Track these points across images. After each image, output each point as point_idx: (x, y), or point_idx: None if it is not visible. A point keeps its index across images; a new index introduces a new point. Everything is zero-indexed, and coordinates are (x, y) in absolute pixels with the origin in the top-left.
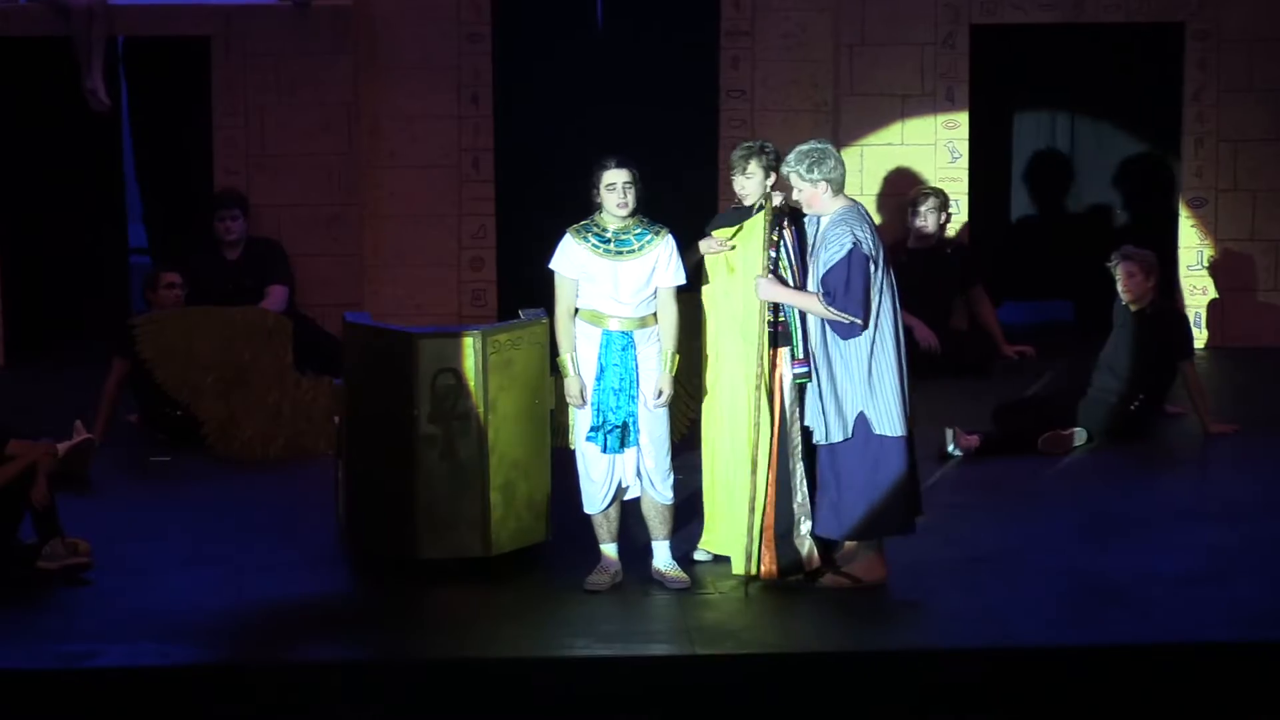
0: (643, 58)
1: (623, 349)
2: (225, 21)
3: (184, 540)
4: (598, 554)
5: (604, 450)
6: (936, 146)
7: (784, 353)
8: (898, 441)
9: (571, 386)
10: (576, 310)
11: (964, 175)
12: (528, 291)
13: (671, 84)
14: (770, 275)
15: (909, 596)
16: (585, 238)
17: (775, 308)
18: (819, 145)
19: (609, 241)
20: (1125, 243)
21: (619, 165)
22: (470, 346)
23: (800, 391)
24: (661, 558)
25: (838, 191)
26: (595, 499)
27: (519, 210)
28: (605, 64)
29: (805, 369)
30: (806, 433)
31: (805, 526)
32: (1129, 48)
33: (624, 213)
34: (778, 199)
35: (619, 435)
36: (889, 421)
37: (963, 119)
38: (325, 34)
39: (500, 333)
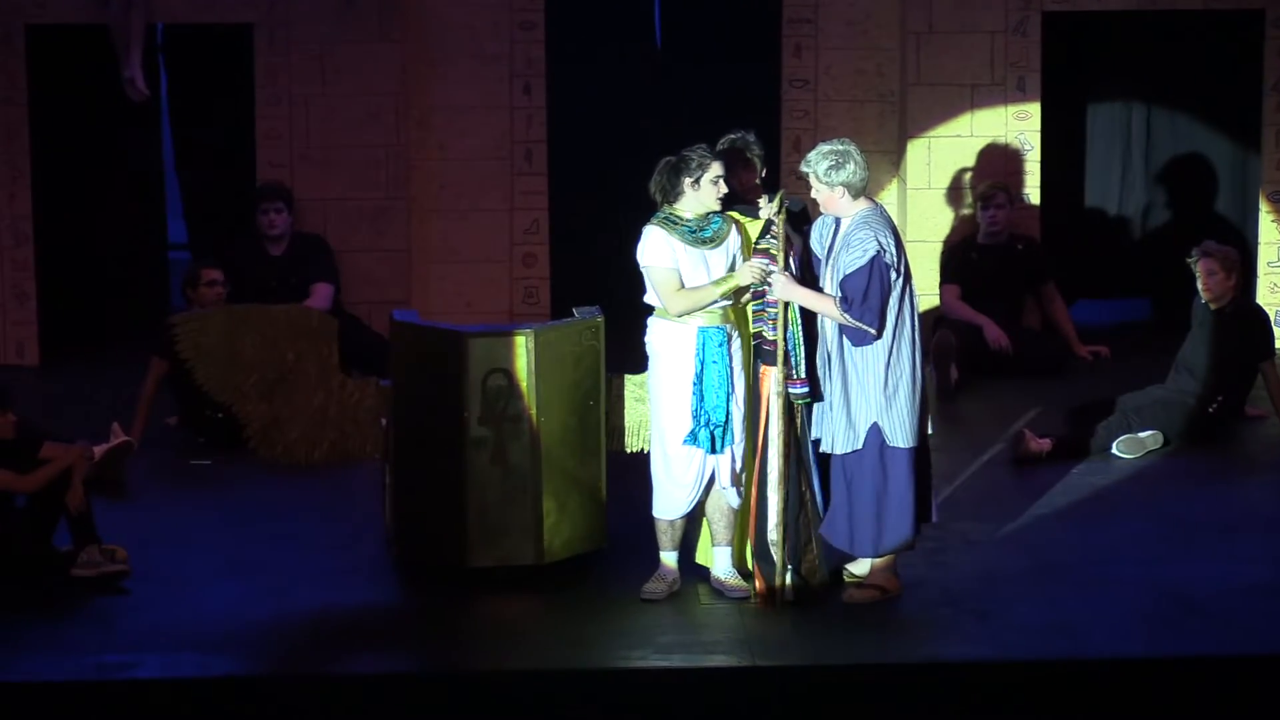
0: (702, 46)
1: (719, 345)
2: (268, 8)
3: (225, 547)
4: (654, 562)
5: (710, 451)
6: (1007, 138)
7: (771, 372)
8: (910, 453)
9: (745, 271)
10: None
11: (1036, 168)
12: (582, 289)
13: (731, 73)
14: (788, 274)
15: (978, 607)
16: (673, 228)
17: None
18: (840, 147)
19: (694, 231)
20: (1203, 238)
21: (718, 155)
22: (522, 346)
23: (792, 412)
24: (722, 565)
25: (857, 195)
26: (679, 503)
27: (573, 204)
28: (663, 51)
29: (804, 389)
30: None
31: (777, 554)
32: (1207, 35)
33: (720, 203)
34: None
35: (721, 434)
36: (903, 434)
37: (1034, 110)
38: (372, 21)
39: (554, 332)
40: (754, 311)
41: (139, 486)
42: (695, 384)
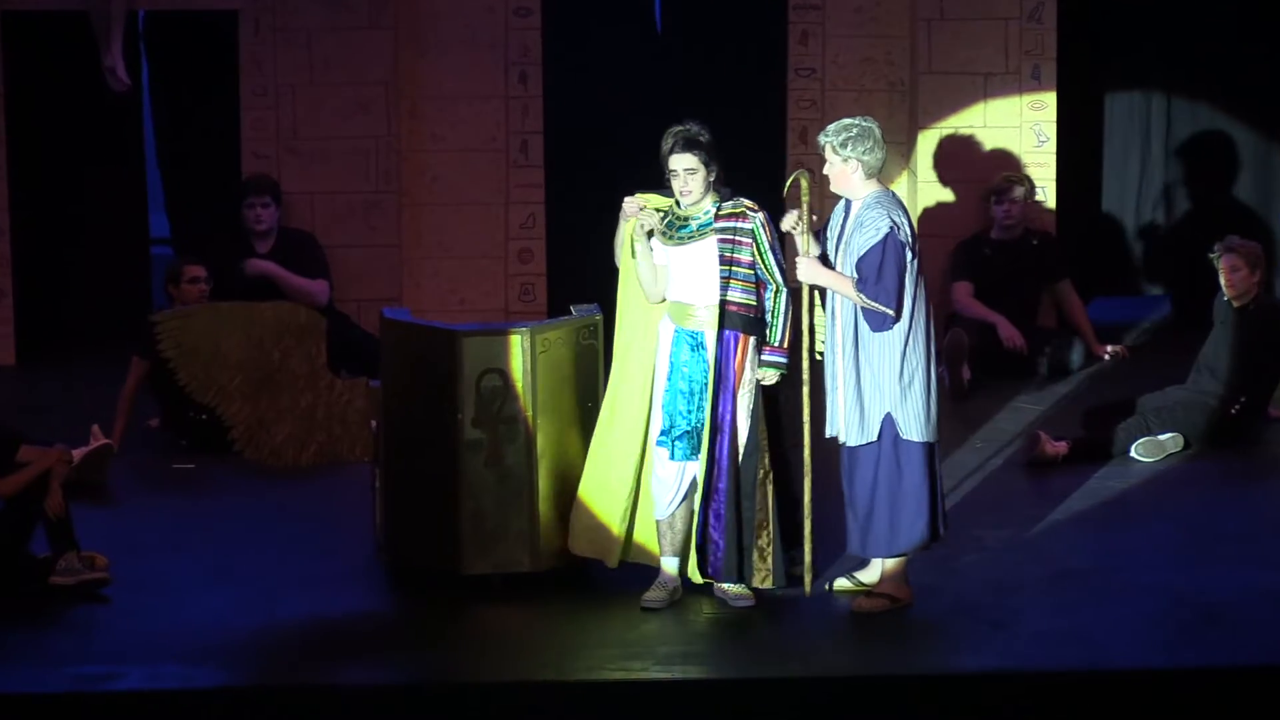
0: (704, 33)
1: (693, 349)
2: None
3: (209, 554)
4: (655, 568)
5: (672, 457)
6: (1021, 129)
7: (750, 341)
8: (924, 448)
9: (648, 218)
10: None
11: (1051, 160)
12: (580, 286)
13: (736, 61)
14: (810, 256)
15: (992, 616)
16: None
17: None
18: (862, 123)
19: (672, 225)
20: (1226, 232)
21: (683, 149)
22: (518, 345)
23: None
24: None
25: (870, 175)
26: (660, 502)
27: (571, 198)
28: (665, 39)
29: (779, 358)
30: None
31: (764, 540)
32: (1229, 23)
33: (689, 200)
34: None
35: (688, 442)
36: (917, 426)
37: (1050, 99)
38: (362, 7)
39: (550, 330)
40: (722, 278)
41: (120, 491)
42: (667, 385)
